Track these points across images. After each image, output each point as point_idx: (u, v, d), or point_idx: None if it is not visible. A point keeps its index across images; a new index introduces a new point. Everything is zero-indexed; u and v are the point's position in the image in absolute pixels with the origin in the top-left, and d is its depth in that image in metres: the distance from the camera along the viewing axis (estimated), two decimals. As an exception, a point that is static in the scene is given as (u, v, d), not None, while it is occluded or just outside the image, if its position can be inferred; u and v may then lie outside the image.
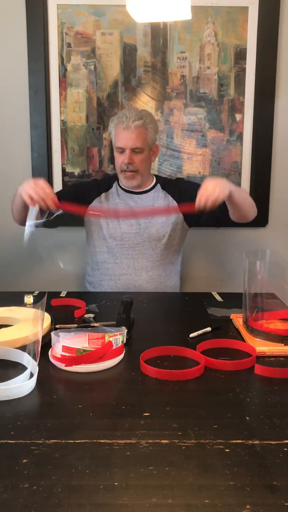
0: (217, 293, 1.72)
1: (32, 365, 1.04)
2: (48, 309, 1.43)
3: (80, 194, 1.88)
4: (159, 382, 1.04)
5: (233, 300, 1.58)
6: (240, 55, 2.07)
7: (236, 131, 2.12)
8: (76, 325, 1.35)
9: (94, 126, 2.11)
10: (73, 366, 1.08)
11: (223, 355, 1.16)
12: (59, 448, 0.80)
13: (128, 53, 2.07)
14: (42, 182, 1.58)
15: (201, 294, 1.72)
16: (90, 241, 1.93)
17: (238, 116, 2.11)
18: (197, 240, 2.14)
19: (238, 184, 2.15)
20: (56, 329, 1.27)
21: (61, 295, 1.66)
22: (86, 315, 1.45)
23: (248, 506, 0.67)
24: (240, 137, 2.13)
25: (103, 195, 1.88)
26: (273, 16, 2.03)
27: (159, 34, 2.05)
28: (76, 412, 0.92)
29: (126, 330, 1.22)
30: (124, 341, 1.19)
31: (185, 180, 2.07)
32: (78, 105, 2.10)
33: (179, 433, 0.84)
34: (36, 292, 1.65)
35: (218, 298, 1.67)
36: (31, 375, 1.02)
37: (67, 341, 1.14)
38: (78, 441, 0.82)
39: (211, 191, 1.52)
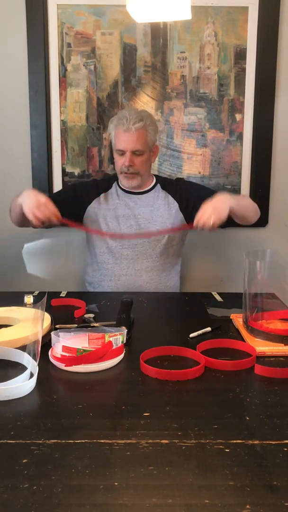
0: (217, 293, 1.72)
1: (32, 365, 1.04)
2: (48, 309, 1.43)
3: (79, 195, 1.88)
4: (159, 382, 1.04)
5: (233, 300, 1.58)
6: (240, 55, 2.07)
7: (236, 131, 2.12)
8: (76, 325, 1.35)
9: (94, 126, 2.11)
10: (73, 366, 1.08)
11: (223, 355, 1.16)
12: (59, 448, 0.80)
13: (128, 53, 2.07)
14: (44, 199, 1.58)
15: (201, 294, 1.72)
16: (89, 242, 1.93)
17: (238, 116, 2.11)
18: (197, 240, 2.14)
19: (238, 184, 2.15)
20: (56, 329, 1.27)
21: (61, 295, 1.66)
22: (86, 315, 1.45)
23: (248, 506, 0.67)
24: (240, 137, 2.13)
25: (102, 195, 1.88)
26: (273, 16, 2.03)
27: (159, 34, 2.05)
28: (76, 412, 0.92)
29: (126, 330, 1.22)
30: (124, 341, 1.19)
31: (185, 180, 2.07)
32: (78, 105, 2.10)
33: (179, 433, 0.84)
34: (36, 292, 1.65)
35: (218, 298, 1.67)
36: (31, 375, 1.02)
37: (67, 341, 1.14)
38: (78, 441, 0.82)
39: (207, 218, 1.54)
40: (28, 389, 0.99)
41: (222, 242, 2.22)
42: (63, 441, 0.82)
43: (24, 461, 0.76)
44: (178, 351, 1.18)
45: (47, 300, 1.17)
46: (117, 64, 2.07)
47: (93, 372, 1.08)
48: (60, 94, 2.09)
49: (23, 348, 1.12)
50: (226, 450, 0.79)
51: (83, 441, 0.82)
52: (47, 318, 1.29)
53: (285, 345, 1.21)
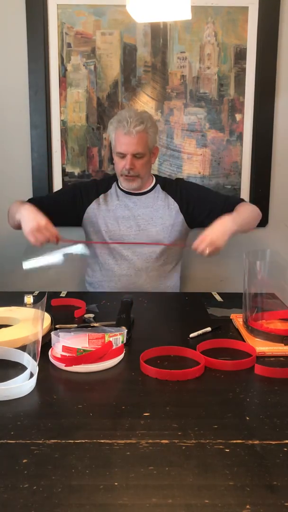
0: (217, 293, 1.72)
1: (32, 365, 1.04)
2: (48, 309, 1.43)
3: (79, 196, 1.88)
4: (159, 382, 1.04)
5: (233, 300, 1.58)
6: (240, 55, 2.07)
7: (236, 131, 2.12)
8: (76, 325, 1.35)
9: (94, 126, 2.11)
10: (73, 366, 1.08)
11: (223, 355, 1.16)
12: (59, 448, 0.80)
13: (128, 53, 2.07)
14: (43, 221, 1.55)
15: (201, 294, 1.72)
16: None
17: (238, 116, 2.11)
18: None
19: (238, 184, 2.15)
20: (56, 329, 1.27)
21: (61, 295, 1.66)
22: (86, 315, 1.45)
23: (248, 506, 0.67)
24: (240, 137, 2.13)
25: (101, 196, 1.88)
26: (273, 16, 2.03)
27: (159, 34, 2.05)
28: (76, 412, 0.92)
29: (126, 330, 1.22)
30: (124, 341, 1.19)
31: (185, 180, 2.06)
32: (78, 105, 2.10)
33: (179, 433, 0.84)
34: (36, 292, 1.65)
35: (218, 298, 1.67)
36: (31, 375, 1.02)
37: (67, 341, 1.14)
38: (78, 441, 0.82)
39: (203, 249, 1.55)
40: (28, 389, 0.99)
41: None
42: (63, 441, 0.82)
43: (24, 461, 0.76)
44: (178, 351, 1.18)
45: (47, 300, 1.17)
46: (117, 64, 2.07)
47: (93, 372, 1.08)
48: (60, 94, 2.09)
49: (23, 348, 1.12)
50: (226, 450, 0.79)
51: (83, 441, 0.82)
52: (47, 318, 1.29)
53: (285, 345, 1.21)
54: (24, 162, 2.14)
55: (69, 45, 2.06)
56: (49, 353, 1.13)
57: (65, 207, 1.87)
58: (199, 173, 2.15)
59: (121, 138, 1.75)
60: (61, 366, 1.09)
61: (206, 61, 2.08)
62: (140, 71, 2.08)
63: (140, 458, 0.77)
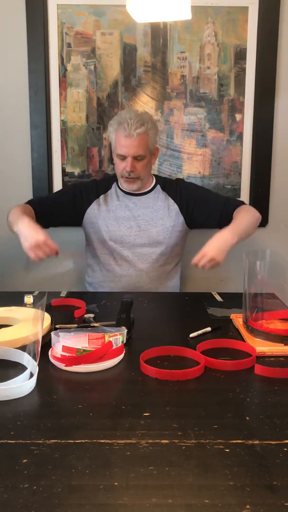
0: (217, 293, 1.72)
1: (32, 365, 1.04)
2: (48, 309, 1.43)
3: (79, 196, 1.87)
4: (159, 382, 1.04)
5: (233, 300, 1.58)
6: (240, 55, 2.07)
7: (236, 131, 2.12)
8: (76, 325, 1.35)
9: (94, 126, 2.11)
10: (73, 366, 1.08)
11: (223, 355, 1.16)
12: (59, 448, 0.80)
13: (128, 53, 2.07)
14: (42, 237, 1.53)
15: (201, 294, 1.72)
16: (89, 243, 1.92)
17: (238, 116, 2.11)
18: (197, 240, 2.14)
19: (238, 184, 2.15)
20: (56, 329, 1.27)
21: (61, 295, 1.66)
22: (86, 315, 1.45)
23: (248, 506, 0.67)
24: (240, 137, 2.13)
25: (101, 197, 1.88)
26: (273, 16, 2.03)
27: (159, 34, 2.05)
28: (76, 412, 0.92)
29: (126, 330, 1.22)
30: (124, 341, 1.19)
31: (185, 181, 2.06)
32: (78, 105, 2.10)
33: (179, 433, 0.84)
34: (36, 292, 1.65)
35: (218, 298, 1.67)
36: (31, 375, 1.02)
37: (67, 341, 1.14)
38: (78, 441, 0.82)
39: (202, 264, 1.56)
40: (28, 389, 0.99)
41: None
42: (63, 441, 0.82)
43: (24, 461, 0.76)
44: (178, 351, 1.18)
45: (47, 300, 1.17)
46: (117, 64, 2.07)
47: (93, 372, 1.08)
48: (60, 94, 2.09)
49: (23, 348, 1.12)
50: (226, 450, 0.79)
51: (83, 441, 0.82)
52: (47, 318, 1.29)
53: (285, 345, 1.21)
54: (24, 162, 2.14)
55: (69, 45, 2.06)
56: (49, 353, 1.13)
57: (65, 207, 1.87)
58: (199, 173, 2.15)
59: (122, 140, 1.74)
60: (61, 366, 1.09)
61: (206, 61, 2.08)
62: (140, 71, 2.08)
63: (140, 458, 0.77)
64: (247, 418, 0.90)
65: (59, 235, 2.15)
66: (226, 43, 2.06)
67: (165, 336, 1.29)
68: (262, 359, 1.15)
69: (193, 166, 2.15)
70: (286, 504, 0.68)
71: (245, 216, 1.76)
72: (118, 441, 0.82)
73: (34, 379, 1.01)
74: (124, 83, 2.08)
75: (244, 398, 0.98)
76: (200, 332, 1.31)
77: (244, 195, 2.16)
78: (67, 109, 2.10)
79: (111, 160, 2.08)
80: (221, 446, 0.80)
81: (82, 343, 1.14)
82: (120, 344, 1.15)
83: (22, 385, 0.98)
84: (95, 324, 1.35)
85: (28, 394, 0.98)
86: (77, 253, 2.03)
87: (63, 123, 2.11)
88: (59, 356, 1.10)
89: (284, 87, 2.10)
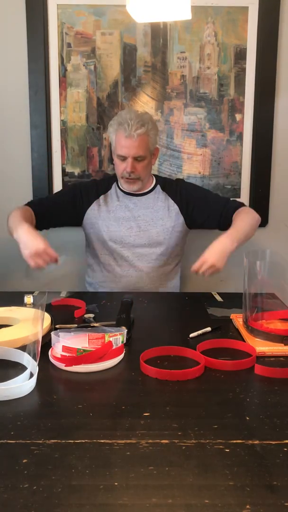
0: (217, 293, 1.72)
1: (32, 365, 1.04)
2: (48, 309, 1.43)
3: (79, 196, 1.87)
4: (159, 382, 1.04)
5: (233, 300, 1.58)
6: (240, 55, 2.07)
7: (236, 131, 2.12)
8: (76, 325, 1.35)
9: (94, 126, 2.11)
10: (73, 366, 1.08)
11: (223, 355, 1.16)
12: (59, 448, 0.80)
13: (128, 53, 2.07)
14: (42, 245, 1.52)
15: (201, 294, 1.72)
16: (89, 243, 1.92)
17: (238, 116, 2.11)
18: (197, 240, 2.14)
19: (238, 184, 2.15)
20: (56, 329, 1.27)
21: (61, 295, 1.66)
22: (86, 315, 1.45)
23: (248, 506, 0.67)
24: (240, 137, 2.13)
25: (101, 197, 1.87)
26: (273, 16, 2.03)
27: (159, 34, 2.05)
28: (76, 412, 0.92)
29: (126, 330, 1.22)
30: (124, 341, 1.19)
31: (186, 181, 2.05)
32: (78, 105, 2.10)
33: (179, 433, 0.84)
34: (36, 292, 1.65)
35: (218, 298, 1.67)
36: (31, 375, 1.02)
37: (67, 341, 1.14)
38: (78, 441, 0.82)
39: (202, 271, 1.55)
40: (28, 389, 0.99)
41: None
42: (63, 441, 0.82)
43: (24, 461, 0.76)
44: (178, 351, 1.18)
45: (47, 300, 1.17)
46: (117, 64, 2.07)
47: (93, 372, 1.08)
48: (60, 94, 2.09)
49: (23, 348, 1.12)
50: (226, 450, 0.79)
51: (83, 441, 0.82)
52: (47, 318, 1.29)
53: (285, 345, 1.21)
54: (24, 162, 2.14)
55: (69, 45, 2.06)
56: (49, 353, 1.13)
57: (65, 208, 1.87)
58: (199, 173, 2.15)
59: (122, 141, 1.74)
60: (61, 366, 1.09)
61: (206, 61, 2.08)
62: (140, 71, 2.08)
63: (140, 458, 0.77)
64: (247, 418, 0.90)
65: (59, 235, 2.16)
66: (226, 43, 2.06)
67: (165, 336, 1.30)
68: (262, 359, 1.15)
69: (193, 166, 2.15)
70: (286, 504, 0.68)
71: (245, 219, 1.75)
72: (118, 441, 0.82)
73: (34, 379, 1.01)
74: (124, 83, 2.08)
75: (244, 398, 0.98)
76: (200, 332, 1.31)
77: (244, 195, 2.16)
78: (67, 109, 2.10)
79: (111, 160, 2.08)
80: (221, 446, 0.81)
81: (82, 343, 1.14)
82: (120, 344, 1.15)
83: (22, 385, 0.98)
84: (95, 324, 1.35)
85: (28, 394, 0.98)
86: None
87: (63, 123, 2.11)
88: (59, 356, 1.10)
89: (284, 87, 2.10)
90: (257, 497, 0.69)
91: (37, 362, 1.04)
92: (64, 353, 1.10)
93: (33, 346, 1.06)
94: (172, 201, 1.87)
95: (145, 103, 2.10)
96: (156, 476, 0.73)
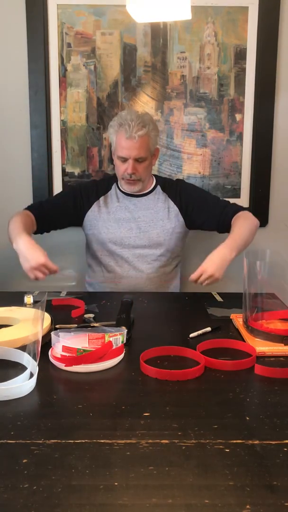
0: (217, 293, 1.72)
1: (32, 365, 1.04)
2: (48, 309, 1.43)
3: (79, 197, 1.87)
4: (159, 382, 1.04)
5: (233, 300, 1.58)
6: (240, 55, 2.07)
7: (236, 131, 2.12)
8: (76, 325, 1.35)
9: (94, 126, 2.11)
10: (73, 366, 1.08)
11: (223, 355, 1.16)
12: (59, 448, 0.80)
13: (128, 53, 2.07)
14: (43, 258, 1.51)
15: (201, 294, 1.72)
16: (89, 244, 1.92)
17: (238, 116, 2.11)
18: (197, 240, 2.14)
19: (238, 184, 2.15)
20: (56, 329, 1.27)
21: (61, 295, 1.66)
22: (86, 315, 1.45)
23: (248, 506, 0.67)
24: (240, 137, 2.13)
25: (101, 198, 1.87)
26: (273, 16, 2.03)
27: (159, 34, 2.05)
28: (76, 412, 0.92)
29: (126, 330, 1.22)
30: (124, 341, 1.19)
31: (186, 182, 2.05)
32: (78, 105, 2.10)
33: (179, 433, 0.84)
34: (36, 292, 1.65)
35: (218, 298, 1.67)
36: (31, 375, 1.02)
37: (67, 341, 1.14)
38: (78, 441, 0.82)
39: (201, 281, 1.56)
40: (28, 389, 0.99)
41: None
42: (63, 441, 0.82)
43: (24, 461, 0.76)
44: (178, 351, 1.18)
45: (47, 300, 1.17)
46: (117, 64, 2.07)
47: (93, 372, 1.08)
48: (60, 94, 2.09)
49: (23, 348, 1.12)
50: (226, 450, 0.79)
51: (83, 441, 0.82)
52: (47, 318, 1.29)
53: (285, 345, 1.21)
54: (24, 162, 2.14)
55: (69, 45, 2.06)
56: (49, 353, 1.13)
57: (66, 209, 1.87)
58: (199, 173, 2.15)
59: (123, 142, 1.73)
60: (61, 366, 1.09)
61: (206, 61, 2.08)
62: (140, 71, 2.08)
63: (140, 458, 0.77)
64: (247, 418, 0.90)
65: (59, 235, 2.16)
66: (226, 43, 2.06)
67: (165, 336, 1.30)
68: (262, 359, 1.15)
69: (193, 166, 2.15)
70: (286, 504, 0.68)
71: (243, 225, 1.74)
72: (118, 441, 0.82)
73: (34, 379, 1.01)
74: (124, 83, 2.08)
75: (244, 398, 0.98)
76: (200, 332, 1.31)
77: (244, 195, 2.16)
78: (67, 109, 2.10)
79: (111, 160, 2.08)
80: (221, 446, 0.80)
81: (82, 343, 1.14)
82: (120, 344, 1.15)
83: (22, 385, 0.98)
84: (95, 324, 1.35)
85: (28, 394, 0.98)
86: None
87: (63, 123, 2.11)
88: (59, 356, 1.10)
89: (284, 87, 2.10)
90: (257, 497, 0.69)
91: (37, 362, 1.04)
92: (64, 353, 1.10)
93: (33, 346, 1.06)
94: (172, 202, 1.86)
95: (145, 103, 2.10)
96: (156, 476, 0.73)
